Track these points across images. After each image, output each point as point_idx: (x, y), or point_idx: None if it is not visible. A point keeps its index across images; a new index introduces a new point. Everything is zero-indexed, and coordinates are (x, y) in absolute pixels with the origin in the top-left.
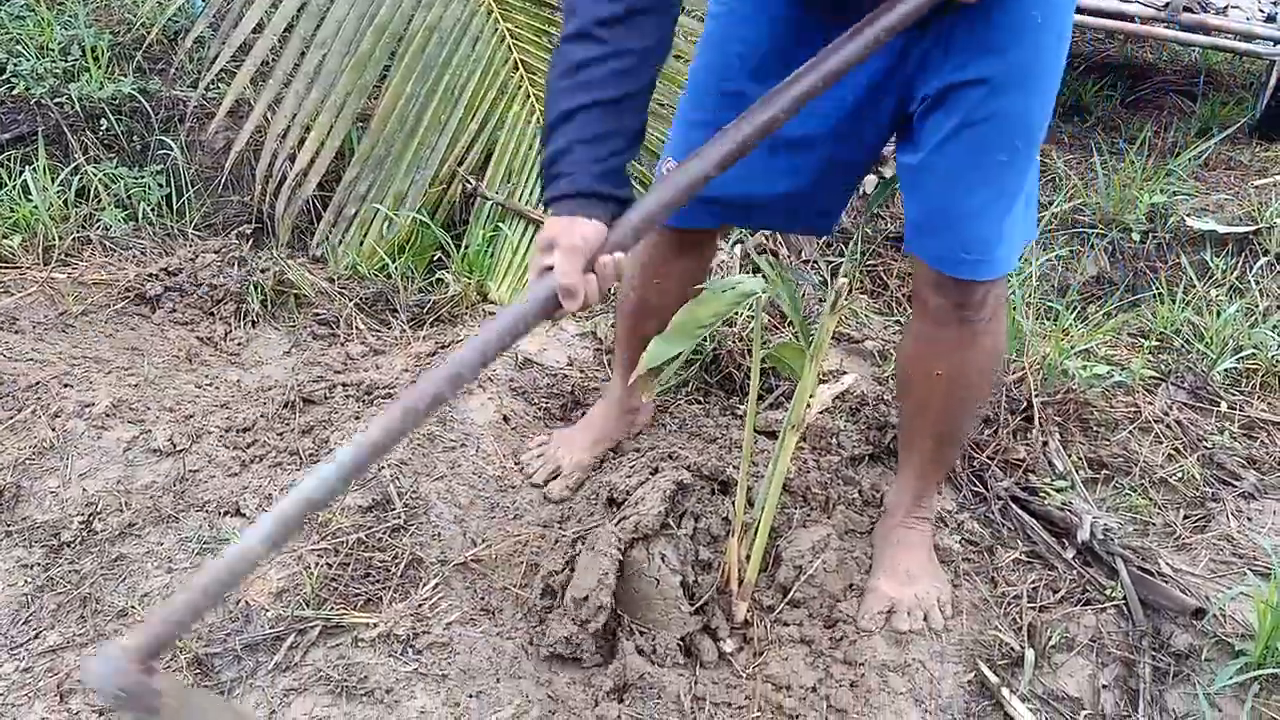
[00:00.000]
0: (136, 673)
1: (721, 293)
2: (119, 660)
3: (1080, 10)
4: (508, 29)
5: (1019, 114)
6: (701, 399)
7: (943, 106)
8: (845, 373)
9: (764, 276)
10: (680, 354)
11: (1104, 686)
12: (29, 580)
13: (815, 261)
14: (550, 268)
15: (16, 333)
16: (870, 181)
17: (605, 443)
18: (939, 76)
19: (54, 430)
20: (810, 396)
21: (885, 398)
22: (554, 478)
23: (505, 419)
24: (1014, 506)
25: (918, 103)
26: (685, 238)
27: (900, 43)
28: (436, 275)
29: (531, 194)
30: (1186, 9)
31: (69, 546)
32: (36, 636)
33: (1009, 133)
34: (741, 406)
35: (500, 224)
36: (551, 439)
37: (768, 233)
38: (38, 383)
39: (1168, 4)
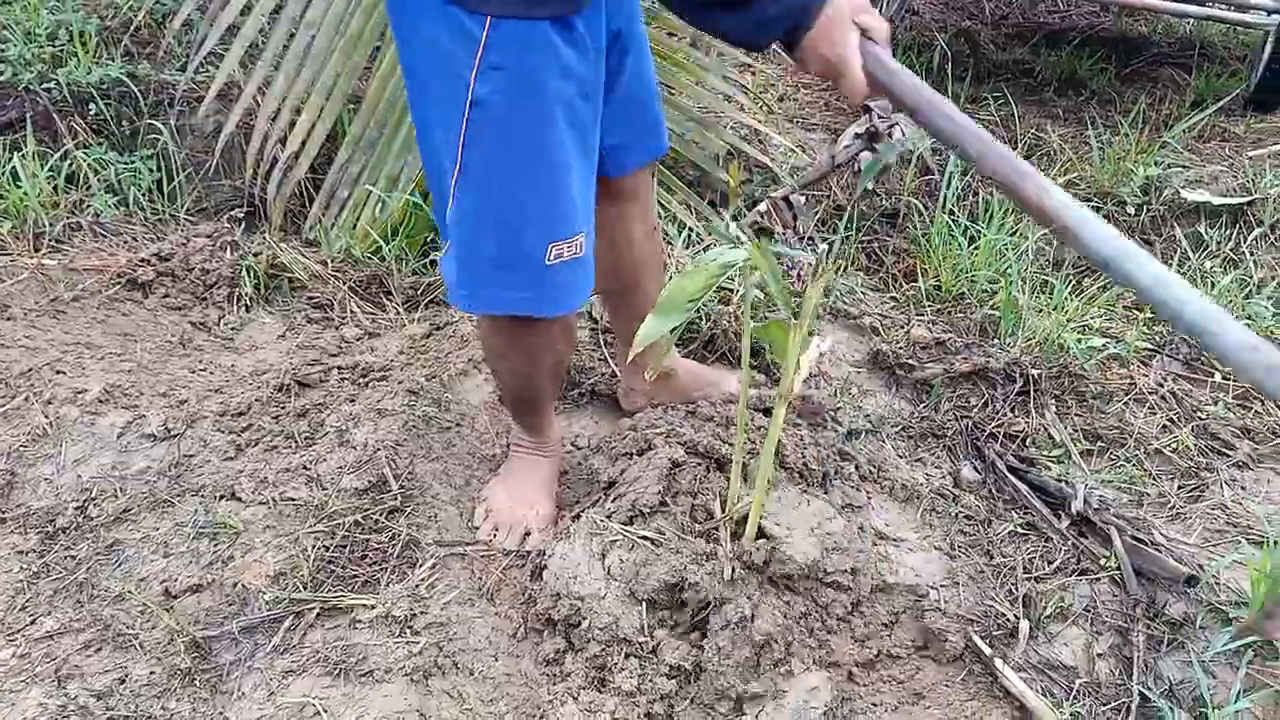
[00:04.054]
0: None
1: (706, 265)
2: None
3: None
4: None
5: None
6: None
7: (630, 37)
8: (820, 336)
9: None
10: (676, 328)
11: (1099, 655)
12: (25, 567)
13: (811, 237)
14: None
15: (8, 320)
16: (865, 158)
17: (555, 484)
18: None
19: (47, 417)
20: (797, 368)
21: (883, 364)
22: (526, 535)
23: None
24: (1011, 477)
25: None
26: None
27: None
28: (430, 257)
29: None
30: None
31: (64, 533)
32: (33, 622)
33: None
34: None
35: None
36: (491, 500)
37: (764, 210)
38: (30, 370)
39: None
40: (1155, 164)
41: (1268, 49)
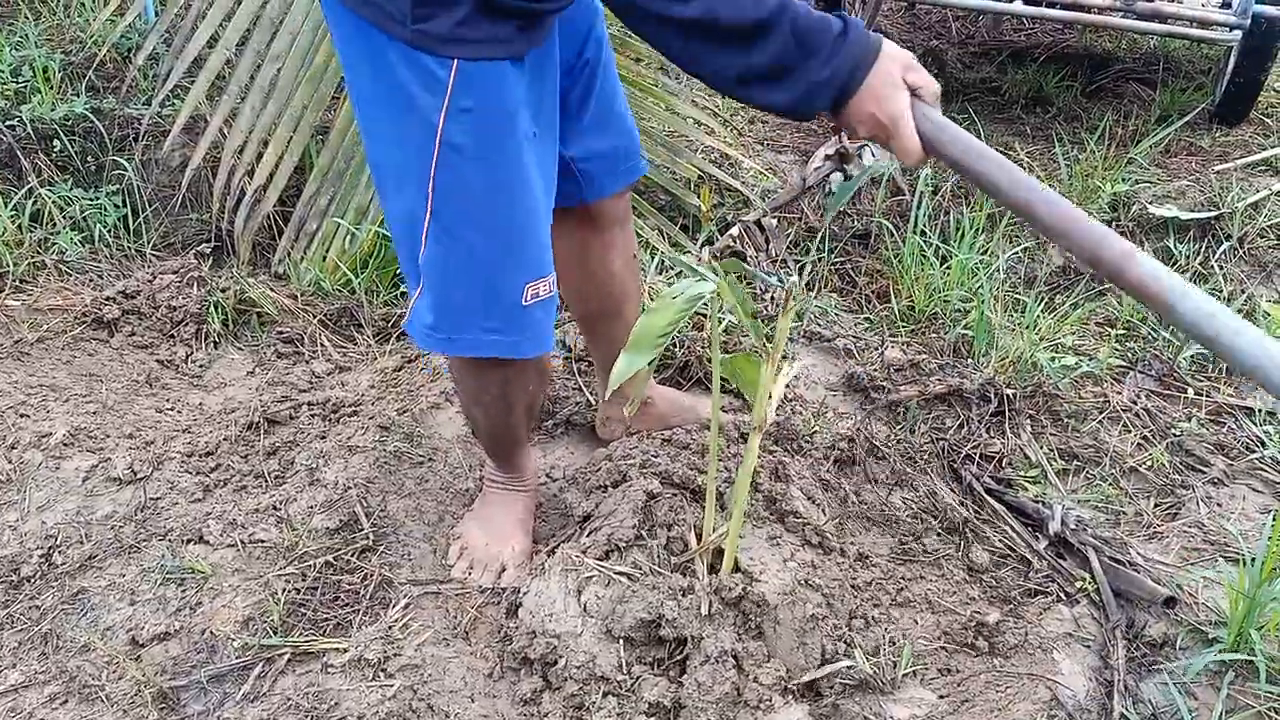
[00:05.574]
0: None
1: (673, 299)
2: None
3: (1038, 2)
4: None
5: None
6: None
7: (598, 63)
8: (792, 358)
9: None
10: (650, 364)
11: (1079, 678)
12: None
13: (784, 260)
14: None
15: None
16: (835, 179)
17: (531, 519)
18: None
19: (10, 462)
20: (769, 398)
21: (857, 386)
22: (502, 571)
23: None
24: (989, 499)
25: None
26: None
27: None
28: (401, 289)
29: None
30: None
31: (29, 581)
32: None
33: None
34: None
35: None
36: (466, 536)
37: (736, 234)
38: None
39: None
40: (1123, 180)
41: (1231, 63)
